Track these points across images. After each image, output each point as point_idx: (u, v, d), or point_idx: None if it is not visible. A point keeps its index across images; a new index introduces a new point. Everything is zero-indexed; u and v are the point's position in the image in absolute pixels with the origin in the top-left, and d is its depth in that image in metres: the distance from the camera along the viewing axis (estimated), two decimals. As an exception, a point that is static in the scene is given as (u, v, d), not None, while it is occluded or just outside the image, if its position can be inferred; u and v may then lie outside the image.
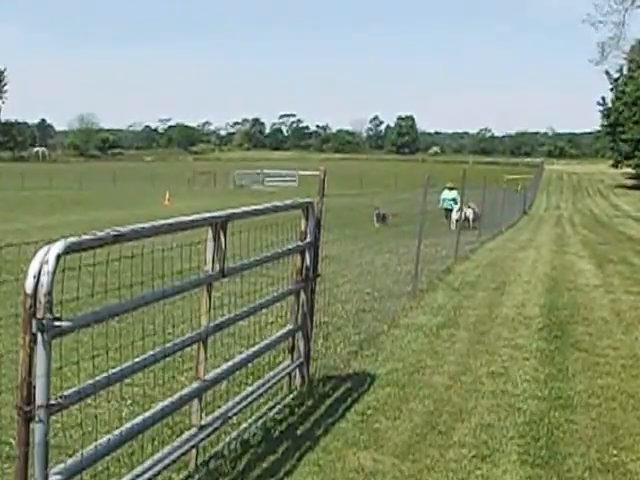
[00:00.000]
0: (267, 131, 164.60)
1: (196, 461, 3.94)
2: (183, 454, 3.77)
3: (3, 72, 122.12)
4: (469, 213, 19.24)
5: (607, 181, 62.88)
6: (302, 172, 53.41)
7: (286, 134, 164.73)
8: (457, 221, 19.62)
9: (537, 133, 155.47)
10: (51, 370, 2.71)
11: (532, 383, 5.53)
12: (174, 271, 3.66)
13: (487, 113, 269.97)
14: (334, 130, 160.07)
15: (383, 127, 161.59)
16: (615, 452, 4.25)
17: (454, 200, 20.92)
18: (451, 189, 22.19)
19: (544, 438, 4.45)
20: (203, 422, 4.00)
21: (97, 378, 3.08)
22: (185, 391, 3.88)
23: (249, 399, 4.53)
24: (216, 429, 4.12)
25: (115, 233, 3.01)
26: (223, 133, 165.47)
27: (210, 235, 3.89)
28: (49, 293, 2.65)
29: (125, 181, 54.36)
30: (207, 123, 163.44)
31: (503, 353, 6.36)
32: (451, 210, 20.71)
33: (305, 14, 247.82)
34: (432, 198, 16.36)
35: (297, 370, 5.30)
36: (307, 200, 5.14)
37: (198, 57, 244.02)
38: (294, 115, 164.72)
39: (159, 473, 3.54)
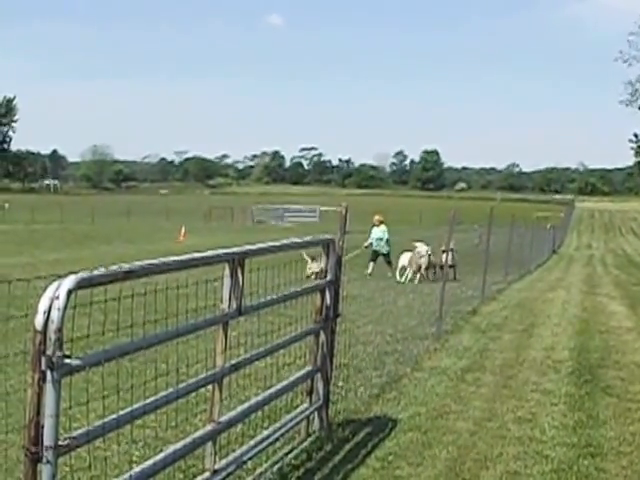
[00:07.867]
0: (287, 165, 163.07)
1: (209, 507, 3.79)
2: (195, 500, 3.64)
3: (13, 100, 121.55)
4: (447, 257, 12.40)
5: (640, 219, 61.72)
6: (323, 208, 52.96)
7: (307, 168, 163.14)
8: (426, 269, 15.71)
9: (568, 169, 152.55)
10: (60, 410, 2.62)
11: (561, 429, 5.31)
12: (189, 309, 3.57)
13: (515, 148, 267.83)
14: (357, 164, 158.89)
15: (407, 162, 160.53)
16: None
17: (381, 239, 16.78)
18: (380, 223, 17.17)
19: (573, 488, 4.24)
20: (217, 466, 3.87)
21: (107, 419, 2.98)
22: (198, 434, 3.76)
23: (265, 443, 4.39)
24: (230, 474, 3.98)
25: (127, 269, 2.94)
26: (241, 166, 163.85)
27: (227, 272, 3.81)
28: (59, 330, 2.59)
29: (139, 215, 53.51)
30: (225, 156, 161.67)
31: (531, 398, 6.14)
32: (385, 254, 16.70)
33: (326, 44, 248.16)
34: (459, 236, 16.04)
35: (315, 413, 5.13)
36: (328, 237, 5.05)
37: (216, 88, 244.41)
38: (315, 148, 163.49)
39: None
